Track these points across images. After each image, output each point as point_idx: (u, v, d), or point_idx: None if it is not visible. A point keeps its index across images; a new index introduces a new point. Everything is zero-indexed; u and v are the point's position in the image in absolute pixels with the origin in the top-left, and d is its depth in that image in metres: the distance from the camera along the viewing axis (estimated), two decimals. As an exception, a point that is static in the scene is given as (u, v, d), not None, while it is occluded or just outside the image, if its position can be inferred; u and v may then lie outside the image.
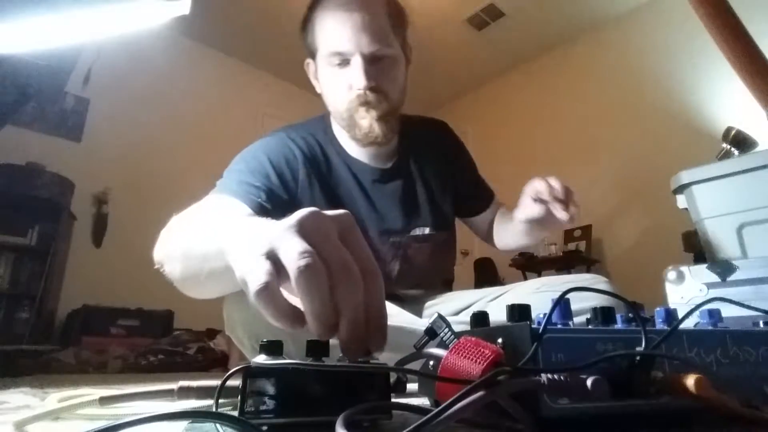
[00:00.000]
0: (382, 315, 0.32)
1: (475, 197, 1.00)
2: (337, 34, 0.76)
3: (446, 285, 1.00)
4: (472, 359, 0.26)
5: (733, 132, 1.55)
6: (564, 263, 3.13)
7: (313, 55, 0.83)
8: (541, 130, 3.79)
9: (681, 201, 1.01)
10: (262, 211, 0.71)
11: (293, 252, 0.30)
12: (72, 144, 3.00)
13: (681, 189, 0.99)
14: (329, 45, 0.77)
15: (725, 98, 2.71)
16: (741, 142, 1.52)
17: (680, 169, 0.99)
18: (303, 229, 0.32)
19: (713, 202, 0.93)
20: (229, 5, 3.25)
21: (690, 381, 0.25)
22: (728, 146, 1.54)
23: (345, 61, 0.76)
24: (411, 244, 0.88)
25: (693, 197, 0.96)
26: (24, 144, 2.69)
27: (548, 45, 3.77)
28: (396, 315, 0.68)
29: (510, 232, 0.91)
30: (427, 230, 0.88)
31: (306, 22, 0.82)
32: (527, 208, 0.77)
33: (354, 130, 0.80)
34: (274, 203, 0.74)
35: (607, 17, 3.46)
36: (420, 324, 0.66)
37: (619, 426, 0.27)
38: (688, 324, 0.32)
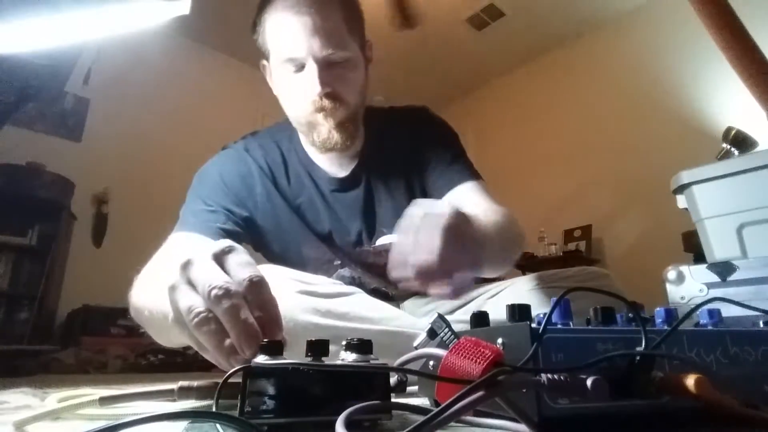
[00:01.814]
0: (269, 312, 0.35)
1: (436, 182, 0.85)
2: (289, 39, 0.72)
3: None
4: (472, 359, 0.26)
5: (733, 132, 1.55)
6: (564, 263, 3.12)
7: (266, 57, 0.80)
8: (542, 130, 3.79)
9: (681, 201, 1.00)
10: (226, 234, 0.72)
11: (184, 313, 0.35)
12: (72, 144, 3.00)
13: (681, 189, 0.99)
14: (282, 51, 0.74)
15: (725, 98, 2.70)
16: (741, 142, 1.52)
17: (680, 169, 0.98)
18: (187, 275, 0.36)
19: (713, 202, 0.93)
20: (229, 5, 3.25)
21: (690, 381, 0.25)
22: (728, 146, 1.54)
23: (300, 66, 0.73)
24: (381, 253, 0.84)
25: (693, 197, 0.96)
26: (24, 144, 2.69)
27: (548, 45, 3.77)
28: (396, 318, 0.68)
29: None
30: (395, 237, 0.85)
31: (256, 24, 0.79)
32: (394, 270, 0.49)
33: (312, 137, 0.78)
34: (235, 222, 0.75)
35: (607, 17, 3.46)
36: (419, 327, 0.66)
37: (619, 426, 0.27)
38: (688, 324, 0.32)
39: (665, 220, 2.41)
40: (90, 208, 3.00)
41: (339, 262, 0.83)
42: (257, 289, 0.35)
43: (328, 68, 0.72)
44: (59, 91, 2.78)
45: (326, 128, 0.75)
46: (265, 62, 0.83)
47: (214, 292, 0.33)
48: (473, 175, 0.83)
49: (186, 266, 0.37)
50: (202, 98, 3.65)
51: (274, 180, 0.82)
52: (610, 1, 3.32)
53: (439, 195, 0.81)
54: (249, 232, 0.79)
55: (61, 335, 2.60)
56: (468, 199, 0.78)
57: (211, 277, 0.35)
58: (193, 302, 0.34)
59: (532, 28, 3.60)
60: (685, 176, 0.97)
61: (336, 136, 0.76)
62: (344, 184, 0.84)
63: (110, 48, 2.69)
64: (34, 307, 2.40)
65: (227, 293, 0.33)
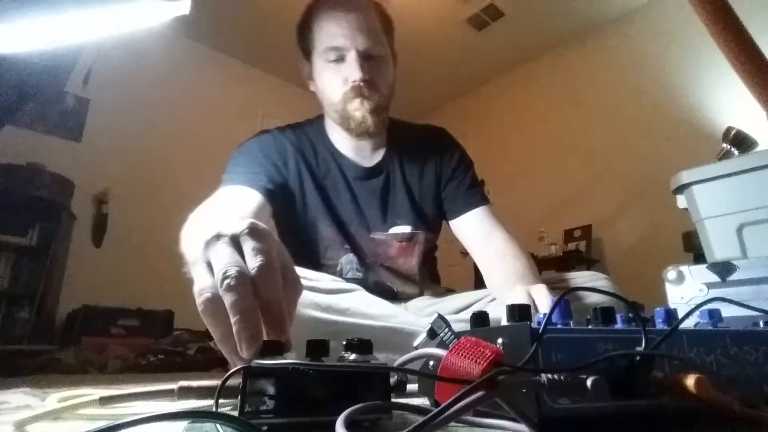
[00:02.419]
0: (277, 311, 0.34)
1: (454, 201, 0.93)
2: (334, 32, 0.82)
3: (436, 283, 1.01)
4: (472, 359, 0.25)
5: (733, 132, 1.55)
6: (564, 263, 3.12)
7: (308, 55, 0.89)
8: (542, 130, 3.79)
9: (681, 201, 1.00)
10: (266, 193, 0.79)
11: (195, 293, 0.35)
12: (72, 144, 3.00)
13: (681, 189, 0.99)
14: (327, 41, 0.83)
15: (725, 98, 2.70)
16: (741, 142, 1.52)
17: (680, 169, 0.98)
18: (207, 256, 0.37)
19: (713, 202, 0.93)
20: (229, 5, 3.25)
21: (690, 381, 0.25)
22: (728, 146, 1.54)
23: (341, 58, 0.82)
24: (392, 242, 0.91)
25: (693, 197, 0.96)
26: (24, 144, 2.68)
27: (548, 45, 3.77)
28: (396, 316, 0.68)
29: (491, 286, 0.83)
30: (408, 229, 0.91)
31: (303, 24, 0.88)
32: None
33: (348, 122, 0.85)
34: (274, 184, 0.82)
35: (607, 17, 3.46)
36: (419, 325, 0.66)
37: (619, 426, 0.27)
38: (688, 324, 0.32)
39: (665, 220, 2.41)
40: (90, 208, 3.00)
41: (348, 246, 0.88)
42: (264, 277, 0.35)
43: (366, 60, 0.83)
44: (59, 91, 2.78)
45: (361, 113, 0.83)
46: (304, 61, 0.91)
47: (226, 281, 0.33)
48: (485, 199, 0.93)
49: (208, 245, 0.37)
50: (202, 98, 3.65)
51: (305, 159, 0.89)
52: (610, 1, 3.32)
53: (455, 211, 0.92)
54: (282, 198, 0.84)
55: (61, 335, 2.60)
56: (482, 222, 0.89)
57: (226, 263, 0.34)
58: (204, 285, 0.34)
59: (532, 28, 3.60)
60: (685, 176, 0.97)
61: (370, 120, 0.84)
62: (368, 173, 0.92)
63: (110, 48, 2.68)
64: (34, 307, 2.40)
65: (238, 283, 0.33)
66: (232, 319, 0.32)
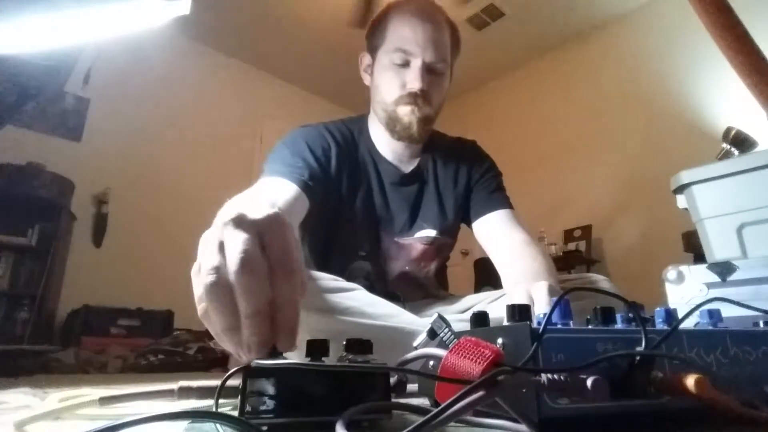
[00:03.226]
0: (291, 313, 0.31)
1: (478, 202, 0.95)
2: (408, 36, 0.84)
3: (444, 290, 1.02)
4: (472, 359, 0.25)
5: (733, 132, 1.56)
6: (564, 263, 3.12)
7: (372, 50, 0.91)
8: (542, 130, 3.79)
9: (681, 201, 1.00)
10: (305, 187, 0.78)
11: (197, 272, 0.32)
12: (72, 144, 3.00)
13: (681, 189, 0.99)
14: (398, 42, 0.85)
15: (725, 98, 2.70)
16: (741, 142, 1.52)
17: (680, 169, 0.98)
18: (221, 235, 0.33)
19: (713, 202, 0.93)
20: (229, 5, 3.25)
21: (690, 381, 0.25)
22: (728, 146, 1.54)
23: (406, 62, 0.84)
24: (416, 245, 0.91)
25: (693, 197, 0.96)
26: (24, 144, 2.68)
27: (548, 45, 3.77)
28: (396, 315, 0.68)
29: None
30: (433, 233, 0.92)
31: (379, 20, 0.91)
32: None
33: (394, 123, 0.87)
34: (315, 180, 0.82)
35: (607, 17, 3.46)
36: (419, 324, 0.66)
37: (619, 426, 0.27)
38: (688, 324, 0.32)
39: (665, 220, 2.41)
40: (90, 208, 3.00)
41: (365, 253, 0.89)
42: (281, 275, 0.32)
43: (428, 72, 0.85)
44: (59, 91, 2.78)
45: (409, 119, 0.85)
46: (366, 54, 0.93)
47: (239, 268, 0.30)
48: (508, 204, 0.95)
49: (226, 225, 0.34)
50: (202, 98, 3.65)
51: (346, 158, 0.90)
52: (610, 1, 3.32)
53: (478, 212, 0.93)
54: (320, 192, 0.84)
55: (61, 335, 2.60)
56: (503, 224, 0.89)
57: (242, 249, 0.31)
58: (210, 266, 0.31)
59: (532, 28, 3.60)
60: (685, 176, 0.97)
61: (416, 128, 0.86)
62: (404, 179, 0.94)
63: (110, 48, 2.68)
64: (34, 307, 2.40)
65: (255, 272, 0.30)
66: (244, 320, 0.30)
